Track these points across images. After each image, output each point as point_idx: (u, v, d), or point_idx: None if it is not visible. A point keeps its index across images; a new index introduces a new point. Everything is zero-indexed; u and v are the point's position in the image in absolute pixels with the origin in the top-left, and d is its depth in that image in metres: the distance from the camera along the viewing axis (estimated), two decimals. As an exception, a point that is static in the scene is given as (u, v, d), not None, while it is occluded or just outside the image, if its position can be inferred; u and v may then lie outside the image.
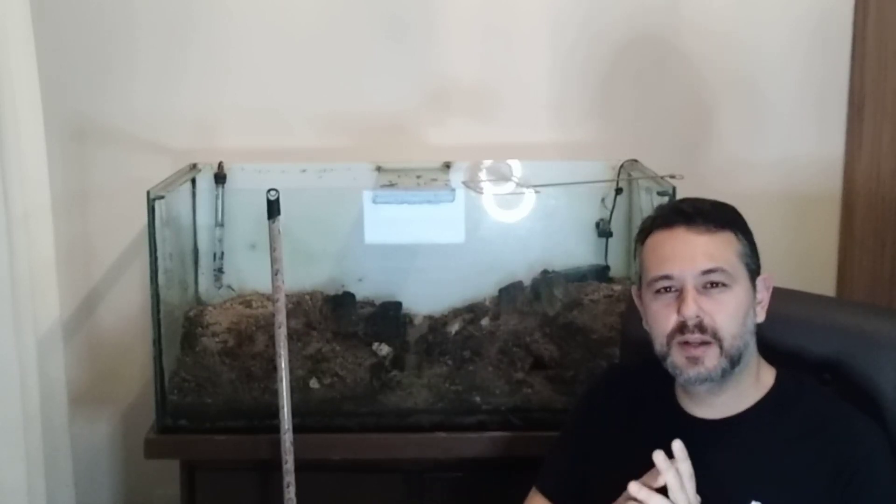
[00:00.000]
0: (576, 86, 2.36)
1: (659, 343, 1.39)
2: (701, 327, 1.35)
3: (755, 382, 1.42)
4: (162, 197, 1.98)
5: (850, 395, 1.45)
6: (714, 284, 1.36)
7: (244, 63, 2.34)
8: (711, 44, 2.34)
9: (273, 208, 1.75)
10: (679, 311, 1.35)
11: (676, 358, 1.37)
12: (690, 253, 1.37)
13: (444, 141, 2.36)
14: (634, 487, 1.25)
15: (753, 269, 1.41)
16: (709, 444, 1.39)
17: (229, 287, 2.33)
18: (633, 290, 1.50)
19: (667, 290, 1.38)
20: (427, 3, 2.32)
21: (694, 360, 1.35)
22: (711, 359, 1.35)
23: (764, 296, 1.43)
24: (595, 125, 2.38)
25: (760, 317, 1.42)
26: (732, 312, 1.36)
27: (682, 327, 1.35)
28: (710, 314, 1.35)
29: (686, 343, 1.35)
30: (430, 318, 2.25)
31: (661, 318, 1.38)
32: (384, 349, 2.13)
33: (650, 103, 2.37)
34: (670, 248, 1.38)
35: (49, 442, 2.19)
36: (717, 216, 1.40)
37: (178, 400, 2.04)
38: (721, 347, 1.35)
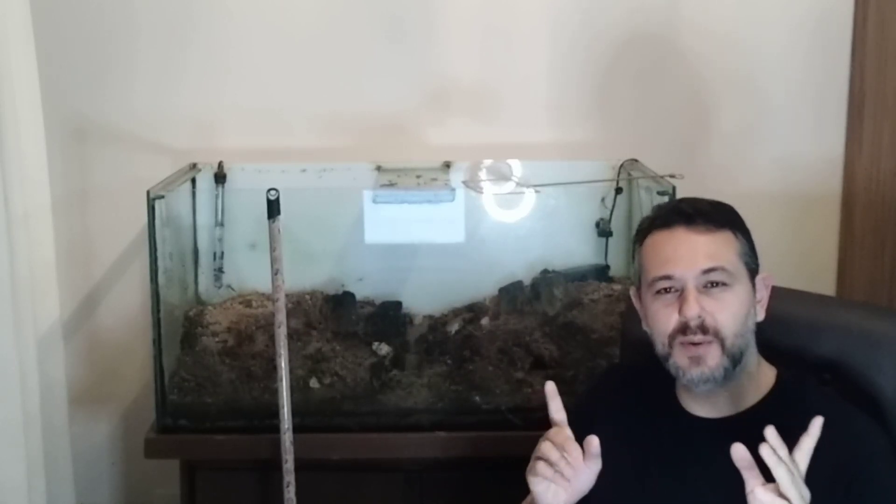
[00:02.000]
0: (576, 85, 2.37)
1: (660, 343, 1.39)
2: (703, 327, 1.35)
3: (756, 382, 1.41)
4: (162, 197, 1.98)
5: (850, 394, 1.44)
6: (715, 284, 1.36)
7: (244, 63, 2.34)
8: (711, 43, 2.34)
9: (273, 208, 1.75)
10: (681, 312, 1.35)
11: (678, 358, 1.37)
12: (691, 253, 1.37)
13: (444, 141, 2.37)
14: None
15: (753, 269, 1.41)
16: (709, 443, 1.39)
17: (229, 287, 2.33)
18: (632, 290, 1.50)
19: (667, 290, 1.38)
20: (427, 3, 2.32)
21: (696, 360, 1.35)
22: (713, 357, 1.35)
23: (763, 294, 1.43)
24: (595, 125, 2.38)
25: (760, 315, 1.42)
26: (734, 311, 1.36)
27: (683, 328, 1.35)
28: (712, 314, 1.35)
29: (688, 343, 1.35)
30: (430, 317, 2.25)
31: (663, 319, 1.38)
32: (384, 349, 2.13)
33: (650, 103, 2.37)
34: (671, 248, 1.38)
35: (49, 442, 2.19)
36: (717, 216, 1.40)
37: (178, 399, 2.04)
38: (723, 346, 1.35)
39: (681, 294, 1.36)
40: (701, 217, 1.39)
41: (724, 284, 1.36)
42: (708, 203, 1.44)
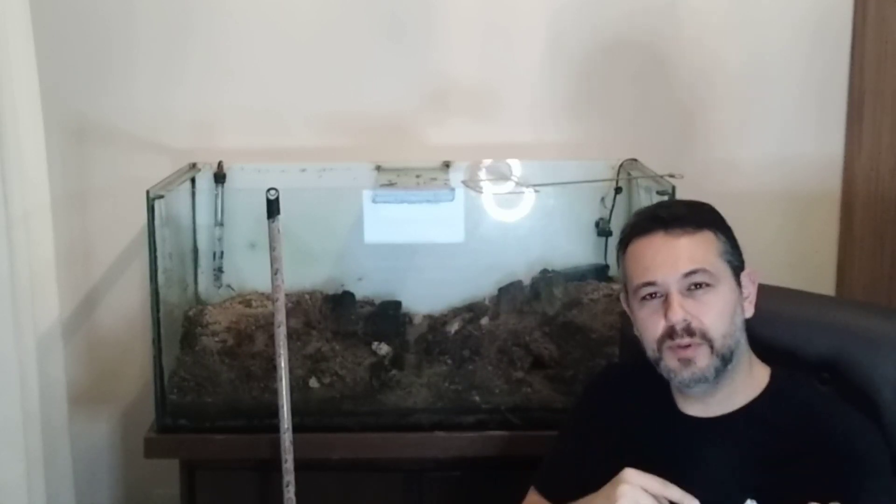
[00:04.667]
0: (575, 85, 2.37)
1: (650, 349, 1.40)
2: (689, 330, 1.35)
3: (749, 380, 1.42)
4: (161, 196, 1.98)
5: (848, 394, 1.45)
6: (698, 286, 1.36)
7: (244, 63, 2.34)
8: (711, 43, 2.34)
9: (273, 208, 1.75)
10: (666, 317, 1.36)
11: (669, 361, 1.37)
12: (671, 257, 1.37)
13: (444, 140, 2.37)
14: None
15: (737, 266, 1.42)
16: (704, 442, 1.39)
17: (229, 286, 2.34)
18: (621, 296, 1.51)
19: (652, 296, 1.38)
20: (427, 3, 2.32)
21: (686, 362, 1.36)
22: (703, 358, 1.35)
23: (750, 290, 1.43)
24: (594, 125, 2.38)
25: (749, 312, 1.43)
26: (719, 312, 1.36)
27: (671, 332, 1.36)
28: (697, 316, 1.35)
29: (676, 346, 1.36)
30: (429, 317, 2.25)
31: (650, 325, 1.38)
32: (384, 348, 2.14)
33: (650, 102, 2.37)
34: (651, 254, 1.39)
35: (49, 442, 2.19)
36: (695, 217, 1.40)
37: (177, 399, 2.04)
38: (712, 347, 1.35)
39: (665, 299, 1.37)
40: (678, 221, 1.39)
41: (707, 285, 1.36)
42: (685, 205, 1.44)
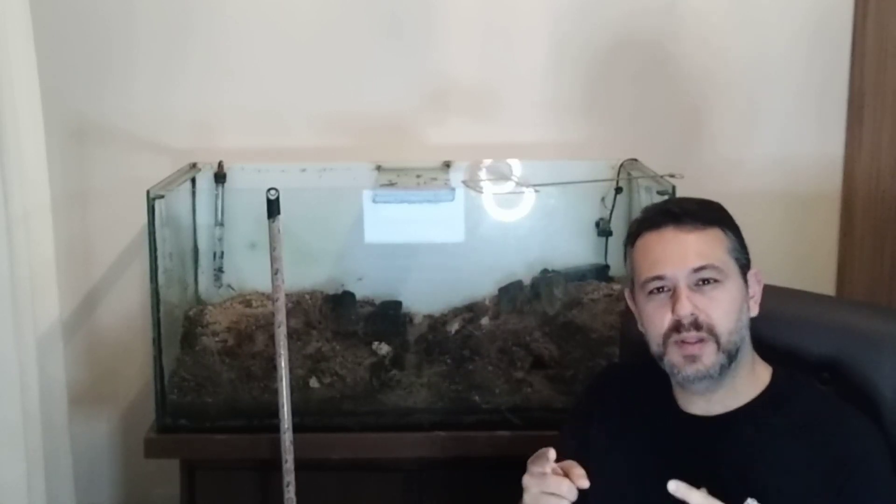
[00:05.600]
0: (575, 85, 2.37)
1: (655, 343, 1.40)
2: (696, 325, 1.35)
3: (751, 379, 1.42)
4: (162, 196, 1.98)
5: (848, 394, 1.45)
6: (706, 281, 1.37)
7: (244, 63, 2.34)
8: (711, 43, 2.34)
9: (273, 208, 1.75)
10: (674, 311, 1.36)
11: (674, 357, 1.37)
12: (681, 252, 1.37)
13: (444, 140, 2.37)
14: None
15: (744, 264, 1.42)
16: (705, 441, 1.40)
17: (229, 286, 2.34)
18: (626, 292, 1.51)
19: (660, 290, 1.39)
20: (427, 3, 2.32)
21: (692, 359, 1.36)
22: (709, 355, 1.35)
23: (756, 290, 1.44)
24: (594, 124, 2.38)
25: (754, 311, 1.43)
26: (726, 308, 1.37)
27: (677, 326, 1.36)
28: (705, 311, 1.36)
29: (683, 342, 1.36)
30: (429, 317, 2.25)
31: (656, 319, 1.38)
32: (384, 348, 2.14)
33: (650, 102, 2.37)
34: (661, 248, 1.39)
35: (49, 442, 2.19)
36: (705, 214, 1.41)
37: (177, 399, 2.04)
38: (718, 343, 1.35)
39: (673, 293, 1.37)
40: (689, 216, 1.40)
41: (715, 281, 1.37)
42: (695, 202, 1.45)
